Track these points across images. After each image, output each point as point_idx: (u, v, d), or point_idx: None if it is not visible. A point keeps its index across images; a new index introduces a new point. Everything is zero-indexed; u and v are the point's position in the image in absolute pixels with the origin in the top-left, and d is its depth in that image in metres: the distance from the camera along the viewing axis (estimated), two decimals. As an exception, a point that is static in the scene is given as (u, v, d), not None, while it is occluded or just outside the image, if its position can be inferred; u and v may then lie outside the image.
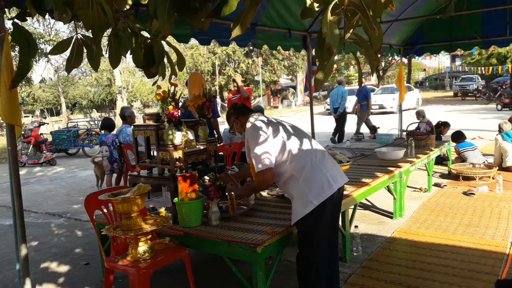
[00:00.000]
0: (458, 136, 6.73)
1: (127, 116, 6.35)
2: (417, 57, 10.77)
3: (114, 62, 1.56)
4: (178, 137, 3.30)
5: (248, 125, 2.74)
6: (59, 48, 1.59)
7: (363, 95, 11.10)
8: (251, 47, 25.79)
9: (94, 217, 3.03)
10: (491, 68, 19.66)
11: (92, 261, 3.90)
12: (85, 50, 1.62)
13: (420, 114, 9.18)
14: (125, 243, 2.92)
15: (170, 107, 3.17)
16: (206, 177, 3.06)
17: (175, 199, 3.00)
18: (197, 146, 3.48)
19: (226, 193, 3.19)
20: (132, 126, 3.48)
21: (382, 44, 1.48)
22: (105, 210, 2.98)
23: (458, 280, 3.08)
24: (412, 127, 6.39)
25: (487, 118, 15.89)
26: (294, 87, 32.67)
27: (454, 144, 6.79)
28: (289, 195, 2.61)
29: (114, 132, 6.78)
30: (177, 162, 3.28)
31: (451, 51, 9.35)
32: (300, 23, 5.97)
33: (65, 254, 4.18)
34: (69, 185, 7.77)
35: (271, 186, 3.26)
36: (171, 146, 3.20)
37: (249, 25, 1.32)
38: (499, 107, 19.48)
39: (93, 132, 11.75)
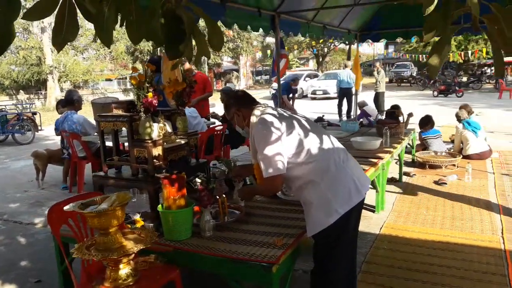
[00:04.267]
0: (426, 122, 6.69)
1: (75, 101, 5.55)
2: (372, 42, 10.75)
3: (136, 35, 1.03)
4: (155, 130, 2.76)
5: (253, 119, 2.29)
6: (39, 10, 1.03)
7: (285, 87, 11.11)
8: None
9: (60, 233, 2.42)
10: (429, 56, 20.50)
11: (44, 277, 3.26)
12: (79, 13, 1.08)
13: (360, 106, 9.25)
14: (99, 262, 2.37)
15: (150, 94, 2.61)
16: (198, 180, 2.57)
17: (159, 207, 2.48)
18: (177, 140, 2.96)
19: (217, 196, 2.72)
20: (98, 116, 2.86)
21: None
22: (71, 223, 2.39)
23: (468, 284, 2.88)
24: (380, 116, 6.23)
25: (427, 104, 16.53)
26: (237, 70, 32.17)
27: (419, 130, 6.77)
28: (306, 201, 2.19)
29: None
30: (155, 160, 2.74)
31: (407, 38, 9.40)
32: (269, 2, 5.53)
33: (9, 268, 3.47)
34: (0, 180, 6.77)
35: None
36: (149, 141, 2.65)
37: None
38: (435, 93, 20.41)
39: (25, 117, 10.47)
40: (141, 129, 2.68)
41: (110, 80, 31.41)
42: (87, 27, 23.04)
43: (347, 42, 34.50)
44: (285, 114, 2.27)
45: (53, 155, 6.04)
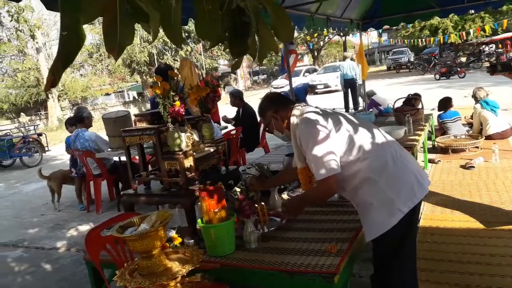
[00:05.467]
0: (445, 103, 6.54)
1: (84, 118, 5.40)
2: (375, 30, 10.58)
3: (212, 30, 0.87)
4: (184, 141, 2.61)
5: (294, 119, 2.13)
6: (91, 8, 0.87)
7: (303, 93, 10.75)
8: (186, 34, 24.62)
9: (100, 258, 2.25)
10: (429, 39, 20.31)
11: (78, 305, 3.12)
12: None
13: (368, 95, 9.13)
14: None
15: (177, 103, 2.45)
16: (237, 188, 2.41)
17: (199, 221, 2.33)
18: (206, 149, 2.80)
19: (256, 205, 2.56)
20: (122, 131, 2.70)
21: None
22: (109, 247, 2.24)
23: (528, 272, 2.72)
24: (399, 103, 6.05)
25: (432, 88, 16.34)
26: (234, 72, 32.01)
27: (438, 113, 6.63)
28: (363, 202, 2.02)
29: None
30: (187, 172, 2.59)
31: (410, 22, 9.23)
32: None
33: (39, 299, 3.33)
34: (15, 205, 6.63)
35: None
36: (180, 153, 2.50)
37: None
38: (437, 76, 20.19)
39: (31, 139, 10.32)
40: (170, 140, 2.53)
41: (108, 94, 31.31)
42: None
43: (341, 34, 34.40)
44: (327, 110, 2.12)
45: (67, 176, 5.89)
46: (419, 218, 3.76)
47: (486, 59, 25.25)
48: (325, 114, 2.04)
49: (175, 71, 4.36)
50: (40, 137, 10.86)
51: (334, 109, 2.31)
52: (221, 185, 2.32)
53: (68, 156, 6.17)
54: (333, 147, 1.94)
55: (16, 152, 9.91)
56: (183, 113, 2.53)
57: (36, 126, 13.21)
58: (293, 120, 2.13)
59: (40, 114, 23.84)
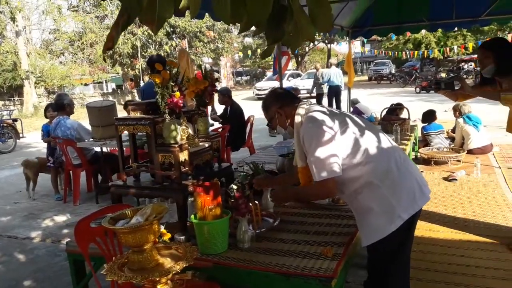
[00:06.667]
0: (429, 116, 6.65)
1: (65, 105, 5.21)
2: (364, 39, 10.68)
3: (264, 9, 0.81)
4: (179, 133, 2.53)
5: (298, 118, 2.08)
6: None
7: None
8: (171, 29, 24.32)
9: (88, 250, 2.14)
10: (413, 53, 20.68)
11: (54, 298, 2.98)
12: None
13: (353, 103, 9.25)
14: (129, 283, 2.11)
15: (177, 93, 2.37)
16: (234, 186, 2.35)
17: (192, 217, 2.25)
18: (201, 144, 2.72)
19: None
20: (115, 119, 2.59)
21: None
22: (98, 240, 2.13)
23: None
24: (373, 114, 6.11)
25: (413, 101, 16.60)
26: (218, 71, 31.87)
27: (422, 125, 6.74)
28: (363, 207, 1.98)
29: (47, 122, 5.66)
30: (181, 166, 2.50)
31: (399, 34, 9.34)
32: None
33: (11, 290, 3.17)
34: (-14, 191, 6.36)
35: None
36: (175, 145, 2.42)
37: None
38: (418, 90, 20.59)
39: (5, 124, 9.95)
40: (165, 132, 2.45)
41: (86, 84, 30.60)
42: (63, 29, 22.37)
43: (326, 41, 34.70)
44: (334, 111, 2.08)
45: (44, 164, 5.68)
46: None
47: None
48: (332, 114, 2.00)
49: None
50: (15, 122, 10.49)
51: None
52: (217, 182, 2.25)
53: (44, 144, 5.97)
54: (336, 150, 1.89)
55: (-11, 137, 9.57)
56: (181, 104, 2.45)
57: (10, 112, 12.76)
58: (298, 118, 2.08)
59: (14, 99, 23.09)
